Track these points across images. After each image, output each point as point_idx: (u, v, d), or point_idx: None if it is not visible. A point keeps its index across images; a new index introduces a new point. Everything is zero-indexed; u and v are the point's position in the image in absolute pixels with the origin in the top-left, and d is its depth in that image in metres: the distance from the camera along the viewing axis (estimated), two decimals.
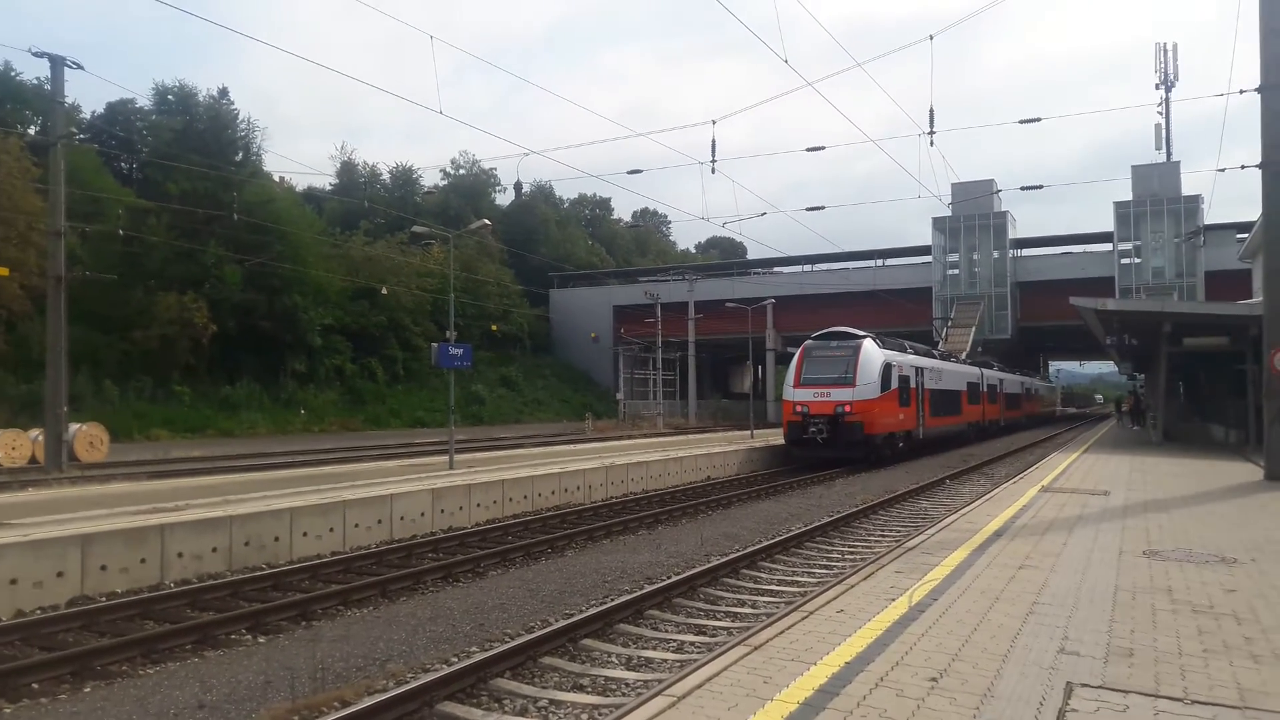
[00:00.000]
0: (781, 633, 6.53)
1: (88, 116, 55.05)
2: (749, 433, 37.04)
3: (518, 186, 65.25)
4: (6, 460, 25.15)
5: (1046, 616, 7.08)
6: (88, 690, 7.46)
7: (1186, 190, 54.74)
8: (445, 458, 21.75)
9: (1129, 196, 55.38)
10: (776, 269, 69.01)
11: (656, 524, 16.66)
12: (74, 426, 25.91)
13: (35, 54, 23.50)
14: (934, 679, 5.49)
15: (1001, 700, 5.14)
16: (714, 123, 22.28)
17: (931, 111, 21.04)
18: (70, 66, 23.63)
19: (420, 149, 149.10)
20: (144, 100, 54.41)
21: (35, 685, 7.45)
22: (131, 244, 42.17)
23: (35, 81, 48.03)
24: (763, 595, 10.88)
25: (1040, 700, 5.14)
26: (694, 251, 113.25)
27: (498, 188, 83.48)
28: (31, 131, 45.08)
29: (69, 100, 24.86)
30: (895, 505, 18.78)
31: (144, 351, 42.27)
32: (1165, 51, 60.04)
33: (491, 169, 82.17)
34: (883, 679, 5.47)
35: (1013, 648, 6.20)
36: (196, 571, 11.61)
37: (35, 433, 26.05)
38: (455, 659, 7.98)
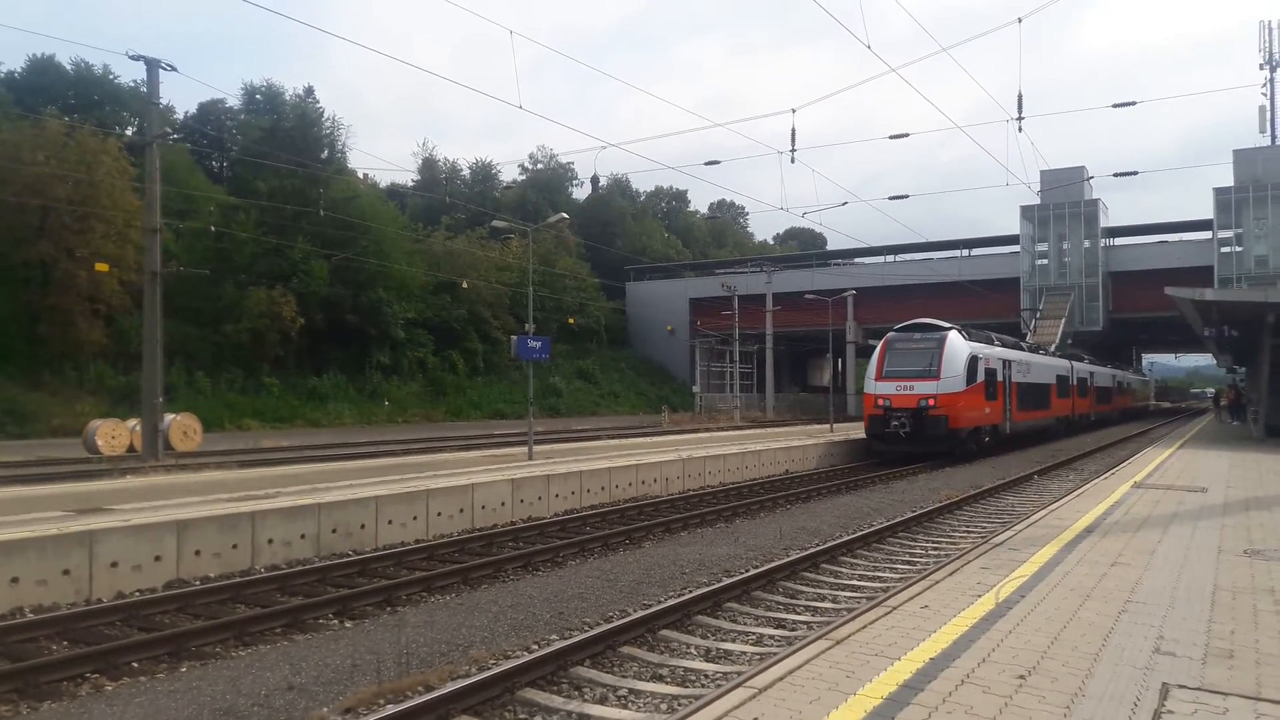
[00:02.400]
0: (864, 627, 6.44)
1: (180, 117, 57.01)
2: (828, 426, 36.65)
3: (594, 180, 65.66)
4: (106, 449, 26.18)
5: (1140, 615, 6.85)
6: (184, 670, 7.73)
7: None
8: (524, 448, 21.98)
9: (1230, 182, 53.12)
10: (858, 260, 67.93)
11: (734, 517, 16.58)
12: (169, 417, 26.83)
13: (132, 57, 24.31)
14: (1022, 677, 5.35)
15: (1094, 700, 4.98)
16: (793, 111, 22.03)
17: (1020, 96, 20.41)
18: (164, 69, 24.40)
19: (499, 144, 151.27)
20: (233, 100, 56.15)
21: (135, 664, 7.75)
22: (223, 240, 43.58)
23: (131, 84, 50.07)
24: (843, 590, 10.74)
25: (1135, 701, 4.97)
26: (772, 243, 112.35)
27: (575, 181, 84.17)
28: (128, 132, 46.80)
29: (163, 101, 25.65)
30: (981, 501, 18.38)
31: (235, 344, 43.58)
32: (1269, 29, 57.27)
33: (569, 163, 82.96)
34: (969, 675, 5.36)
35: (1105, 647, 6.01)
36: (286, 557, 11.94)
37: (133, 422, 27.07)
38: (536, 646, 8.05)
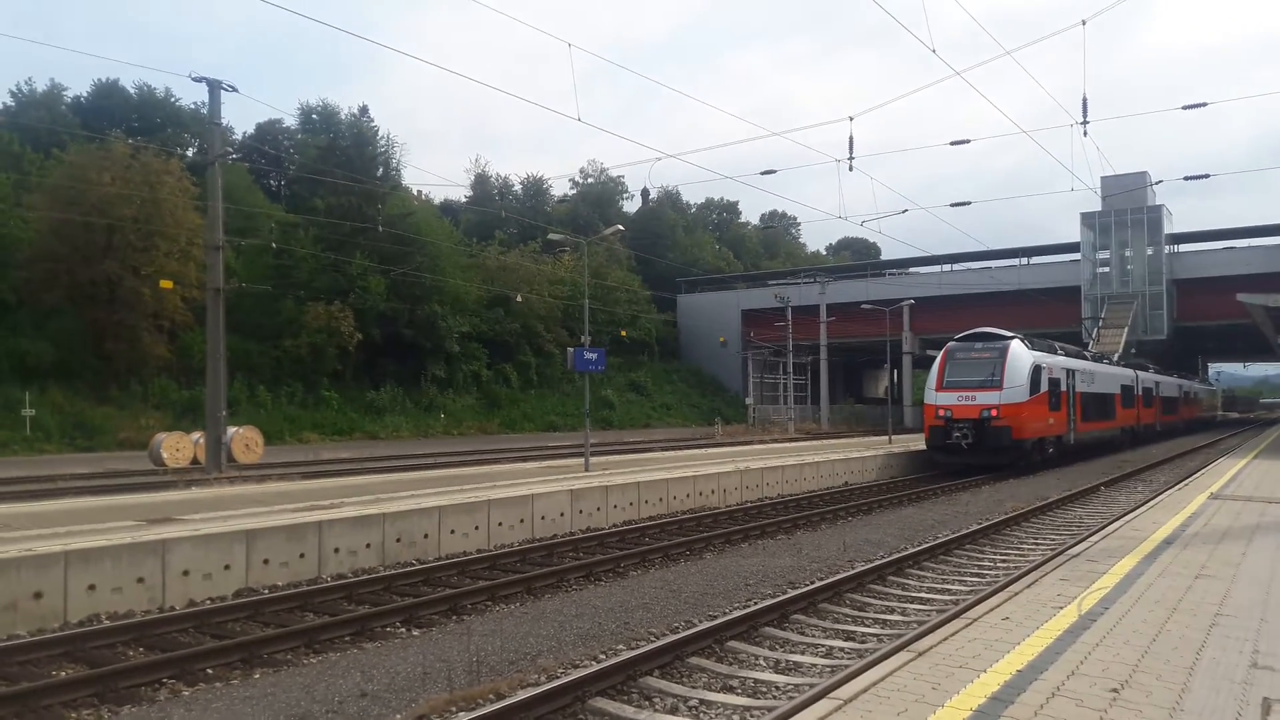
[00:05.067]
0: (945, 639, 6.28)
1: (239, 137, 58.31)
2: (886, 438, 36.17)
3: (644, 193, 65.38)
4: (171, 461, 26.71)
5: (1232, 629, 6.62)
6: (257, 676, 7.79)
7: None
8: (579, 460, 21.97)
9: None
10: (913, 269, 67.07)
11: (795, 529, 16.40)
12: (231, 429, 27.26)
13: (194, 79, 24.88)
14: (1115, 690, 5.18)
15: (1192, 715, 4.81)
16: (851, 119, 21.80)
17: (1085, 100, 19.94)
18: (226, 90, 24.90)
19: (549, 159, 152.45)
20: (290, 120, 57.24)
21: (210, 670, 7.83)
22: (282, 257, 44.36)
23: (192, 106, 51.49)
24: (912, 603, 10.54)
25: (1236, 716, 4.79)
26: (824, 253, 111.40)
27: (626, 195, 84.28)
28: (190, 153, 47.92)
29: (223, 122, 26.15)
30: (1048, 513, 17.98)
31: (294, 359, 44.25)
32: None
33: (619, 176, 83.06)
34: (1059, 688, 5.19)
35: (1198, 660, 5.81)
36: (351, 566, 12.03)
37: (196, 435, 27.59)
38: (604, 656, 8.00)
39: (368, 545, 12.32)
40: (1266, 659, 5.84)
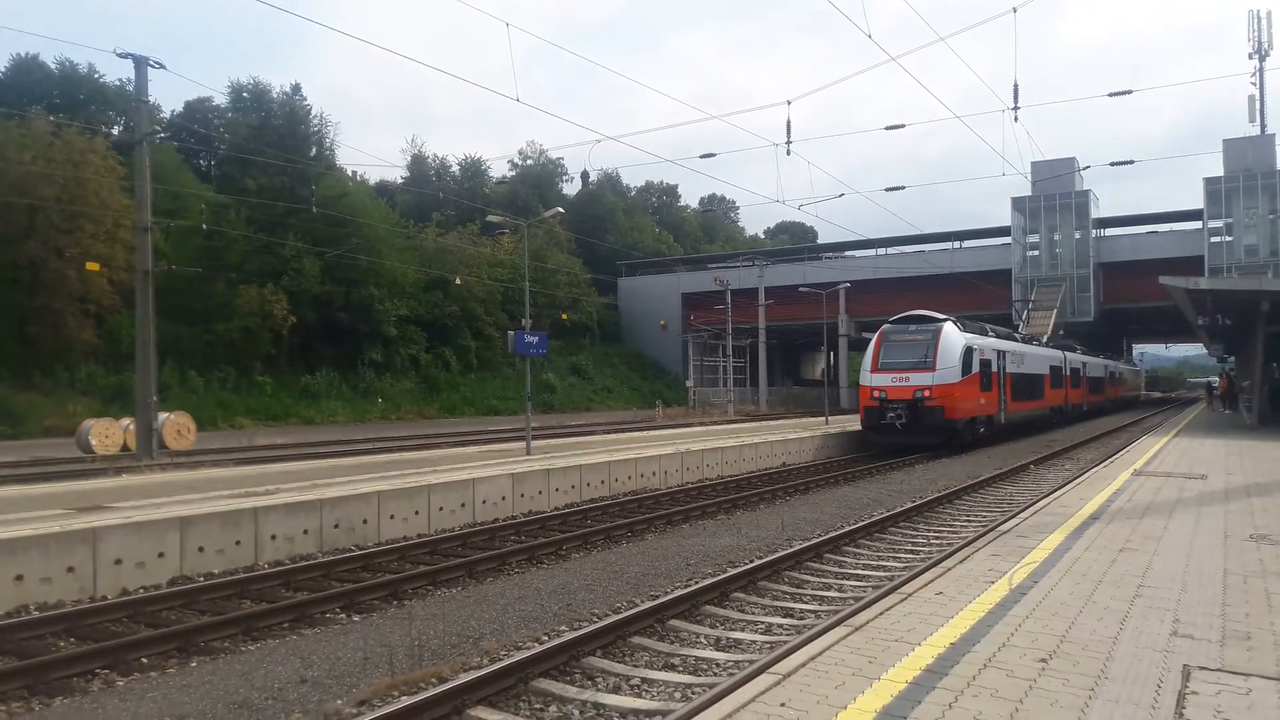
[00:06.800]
0: (881, 614, 6.43)
1: (167, 115, 56.55)
2: (823, 419, 36.68)
3: (584, 175, 64.97)
4: (100, 448, 26.02)
5: (1154, 600, 6.88)
6: (194, 665, 7.68)
7: None
8: (521, 444, 21.92)
9: (1220, 172, 53.29)
10: (849, 253, 67.92)
11: (735, 509, 16.59)
12: (163, 415, 26.65)
13: (120, 55, 24.06)
14: (1044, 660, 5.36)
15: (1117, 682, 4.99)
16: (789, 103, 21.98)
17: (1016, 86, 20.36)
18: (153, 67, 24.18)
19: (487, 141, 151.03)
20: (221, 98, 55.78)
21: (144, 660, 7.69)
22: (212, 238, 43.26)
23: (118, 83, 49.87)
24: (849, 580, 10.75)
25: (1158, 682, 4.98)
26: (763, 237, 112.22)
27: (565, 177, 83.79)
28: (115, 131, 46.45)
29: (150, 99, 25.43)
30: (980, 490, 18.42)
31: (227, 343, 43.29)
32: (1258, 19, 57.65)
33: (559, 158, 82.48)
34: (990, 660, 5.36)
35: (1122, 630, 6.03)
36: (289, 553, 11.88)
37: (126, 421, 26.90)
38: (546, 637, 8.03)
39: (305, 531, 12.16)
40: (1186, 628, 6.08)
